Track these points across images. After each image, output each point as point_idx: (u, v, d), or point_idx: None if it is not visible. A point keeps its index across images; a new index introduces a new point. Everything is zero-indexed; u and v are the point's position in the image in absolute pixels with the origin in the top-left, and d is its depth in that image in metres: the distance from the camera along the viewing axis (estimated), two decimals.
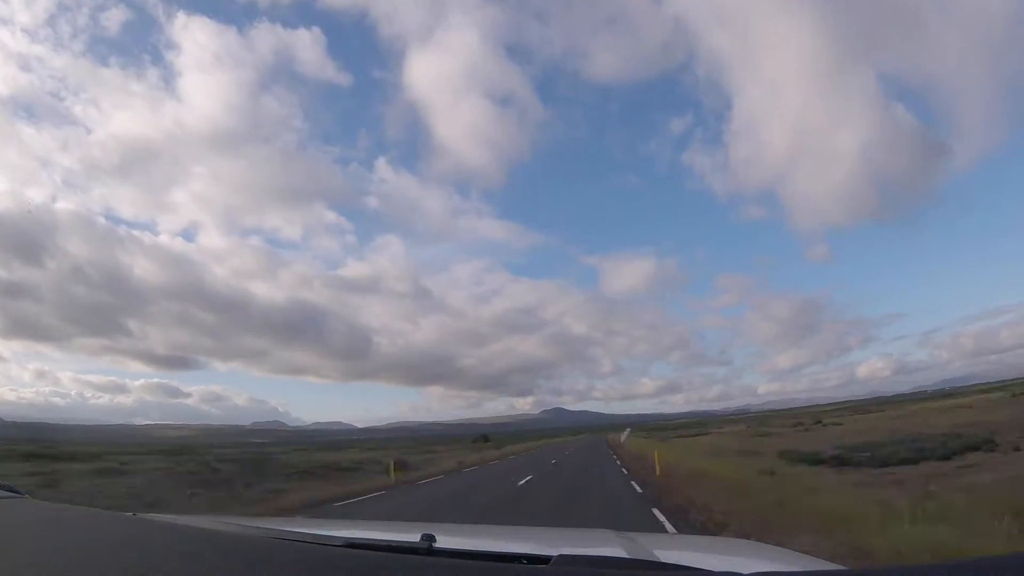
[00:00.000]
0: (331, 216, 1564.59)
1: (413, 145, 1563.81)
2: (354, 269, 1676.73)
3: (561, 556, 1.07)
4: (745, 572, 1.04)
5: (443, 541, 1.18)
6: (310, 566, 1.04)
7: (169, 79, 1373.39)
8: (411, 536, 1.24)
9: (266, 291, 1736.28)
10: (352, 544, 1.17)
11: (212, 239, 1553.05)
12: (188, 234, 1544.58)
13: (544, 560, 1.06)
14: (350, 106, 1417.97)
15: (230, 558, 1.03)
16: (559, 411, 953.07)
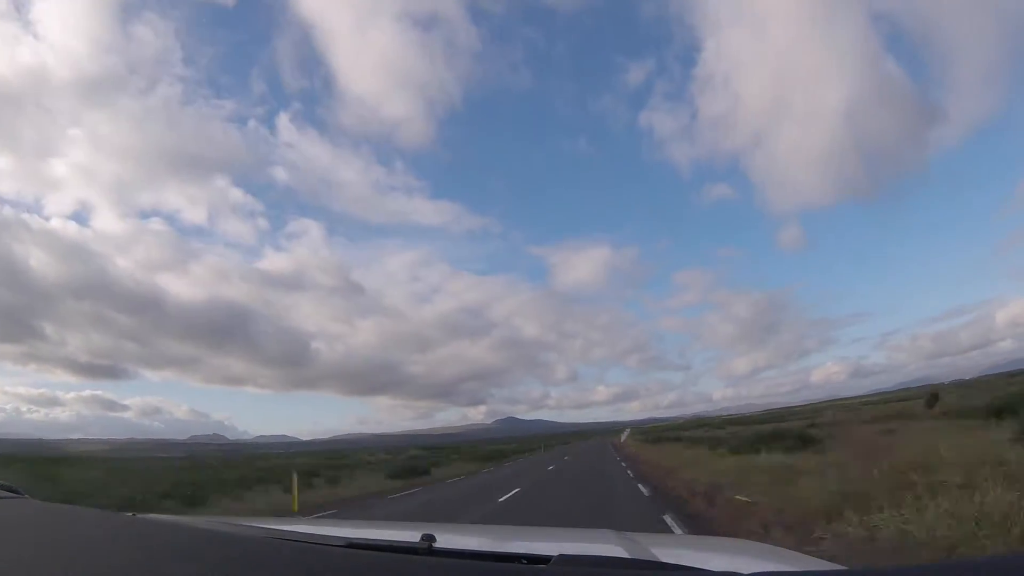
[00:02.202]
0: (237, 194, 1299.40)
1: (316, 94, 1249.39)
2: (273, 261, 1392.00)
3: (561, 556, 1.07)
4: (745, 572, 1.05)
5: (443, 541, 1.18)
6: (310, 566, 1.04)
7: (20, 4, 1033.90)
8: (411, 536, 1.24)
9: (181, 288, 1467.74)
10: (352, 544, 1.17)
11: (107, 222, 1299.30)
12: (80, 216, 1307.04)
13: (544, 560, 1.06)
14: (236, 39, 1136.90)
15: (230, 558, 1.03)
16: (512, 421, 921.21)
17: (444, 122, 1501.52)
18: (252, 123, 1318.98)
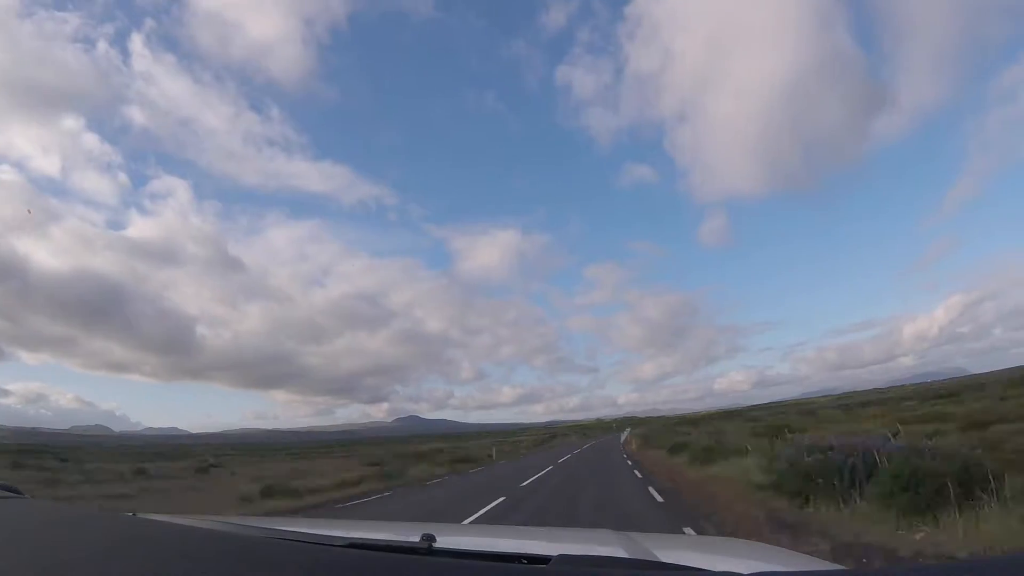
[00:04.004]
0: (91, 140, 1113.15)
1: (167, 5, 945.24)
2: (140, 228, 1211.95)
3: (561, 556, 1.07)
4: (745, 572, 1.05)
5: (443, 541, 1.18)
6: (310, 566, 1.04)
7: None
8: (411, 536, 1.24)
9: (43, 256, 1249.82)
10: (352, 544, 1.17)
11: None
12: None
13: (544, 560, 1.06)
14: None
15: (230, 558, 1.04)
16: (414, 419, 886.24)
17: (325, 49, 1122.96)
18: (102, 45, 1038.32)
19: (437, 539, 1.17)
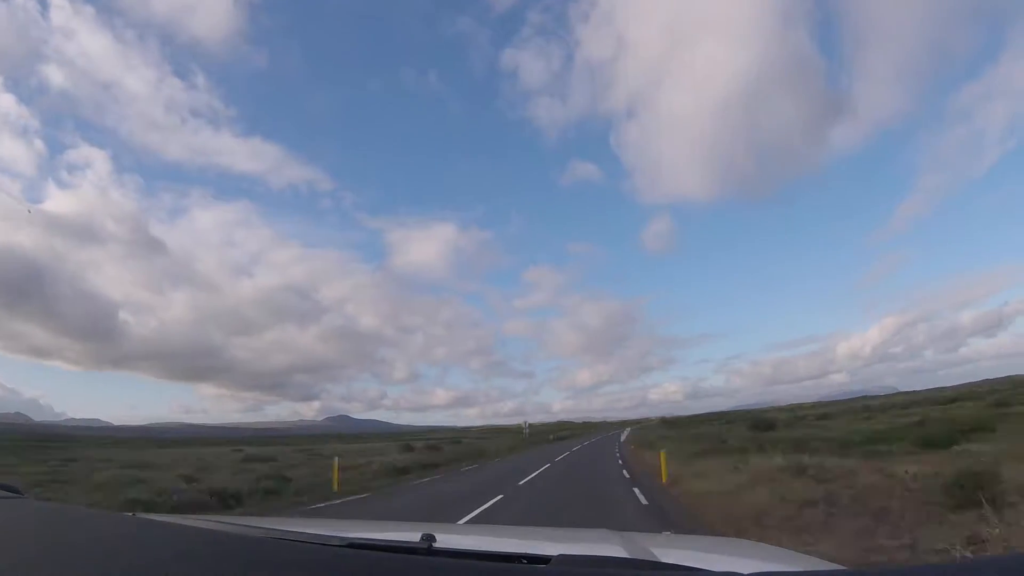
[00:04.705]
0: (7, 102, 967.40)
1: None
2: (58, 201, 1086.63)
3: (561, 556, 1.07)
4: (745, 572, 1.05)
5: (443, 541, 1.19)
6: (310, 566, 1.04)
7: None
8: (411, 536, 1.24)
9: None
10: (352, 544, 1.17)
11: None
12: None
13: (544, 560, 1.06)
14: None
15: (230, 558, 1.04)
16: (344, 419, 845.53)
17: (255, 7, 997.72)
18: None
19: (437, 539, 1.17)
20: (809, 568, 1.27)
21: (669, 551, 1.43)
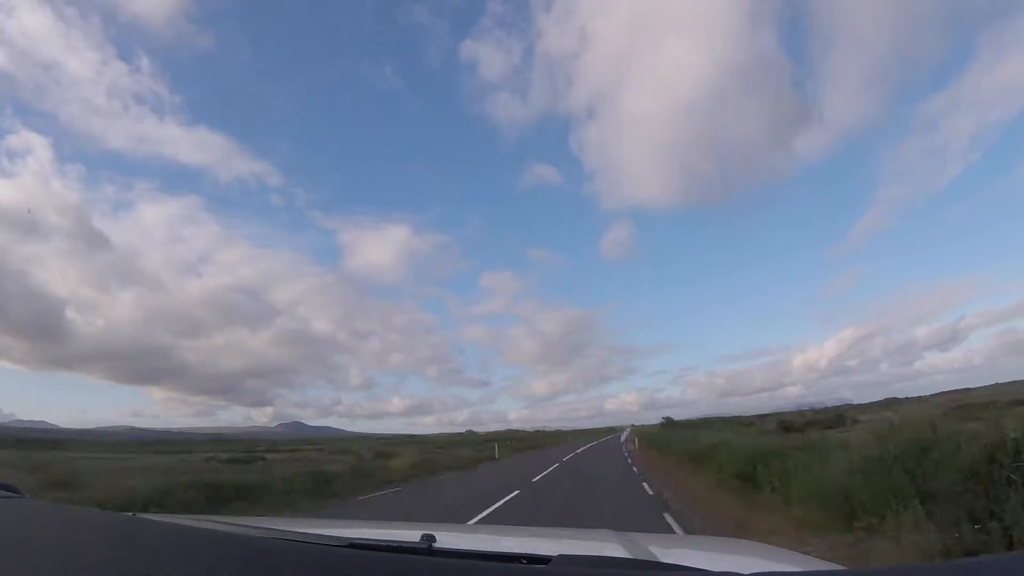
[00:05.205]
0: None
1: None
2: None
3: (561, 556, 1.07)
4: (745, 572, 1.05)
5: (443, 541, 1.19)
6: (310, 566, 1.04)
7: None
8: (411, 536, 1.24)
9: None
10: (352, 544, 1.17)
11: None
12: None
13: (544, 560, 1.06)
14: None
15: (230, 558, 1.03)
16: (297, 425, 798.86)
17: None
18: None
19: (437, 539, 1.17)
20: (809, 568, 1.27)
21: (669, 551, 1.43)
